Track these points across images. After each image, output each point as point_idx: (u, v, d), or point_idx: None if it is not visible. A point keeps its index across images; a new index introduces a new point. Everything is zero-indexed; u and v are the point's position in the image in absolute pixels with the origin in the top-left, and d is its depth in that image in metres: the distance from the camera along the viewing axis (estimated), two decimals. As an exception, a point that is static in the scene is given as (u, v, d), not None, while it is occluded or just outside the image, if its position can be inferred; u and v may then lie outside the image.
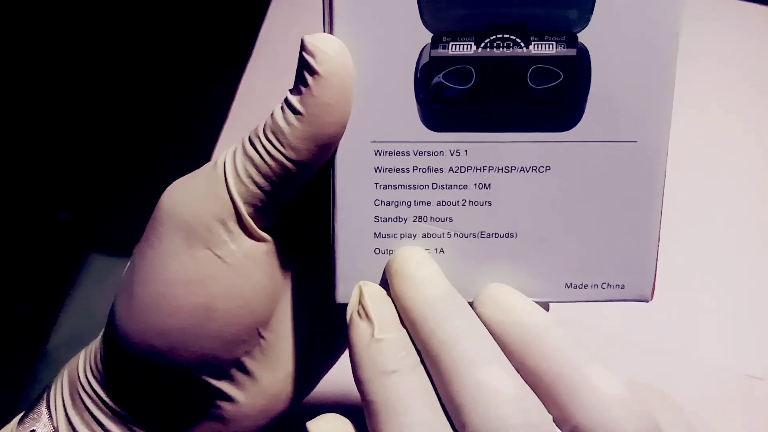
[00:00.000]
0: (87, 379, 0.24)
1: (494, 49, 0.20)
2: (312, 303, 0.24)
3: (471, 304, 0.21)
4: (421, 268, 0.21)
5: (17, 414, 0.25)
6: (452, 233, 0.21)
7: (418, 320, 0.20)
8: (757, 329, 0.41)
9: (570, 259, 0.22)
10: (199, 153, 0.49)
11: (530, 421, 0.18)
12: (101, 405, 0.24)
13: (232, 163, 0.21)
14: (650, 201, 0.21)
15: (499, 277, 0.21)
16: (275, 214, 0.22)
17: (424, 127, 0.21)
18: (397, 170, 0.21)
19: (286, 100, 0.20)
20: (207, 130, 0.50)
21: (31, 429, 0.24)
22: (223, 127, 0.49)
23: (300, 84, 0.20)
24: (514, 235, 0.21)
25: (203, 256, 0.21)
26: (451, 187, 0.21)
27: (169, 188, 0.22)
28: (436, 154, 0.21)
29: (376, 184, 0.21)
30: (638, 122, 0.21)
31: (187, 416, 0.23)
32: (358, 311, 0.20)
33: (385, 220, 0.21)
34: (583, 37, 0.20)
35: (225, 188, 0.21)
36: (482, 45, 0.20)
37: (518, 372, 0.19)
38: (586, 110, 0.21)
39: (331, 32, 0.20)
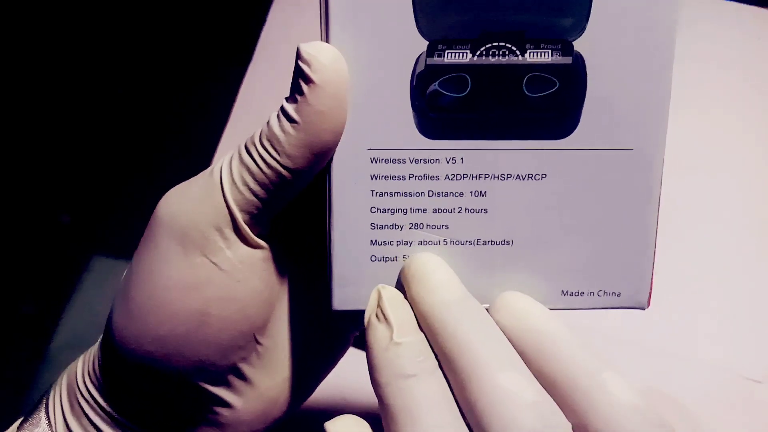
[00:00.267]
0: (85, 384, 0.24)
1: (490, 57, 0.20)
2: (309, 309, 0.24)
3: None
4: (437, 273, 0.21)
5: (18, 416, 0.25)
6: (448, 241, 0.21)
7: (436, 324, 0.20)
8: (757, 332, 0.41)
9: (566, 267, 0.22)
10: (200, 155, 0.49)
11: (549, 425, 0.18)
12: (99, 410, 0.24)
13: (228, 171, 0.21)
14: (646, 208, 0.21)
15: (495, 284, 0.21)
16: (271, 221, 0.22)
17: (420, 134, 0.21)
18: (393, 178, 0.21)
19: (282, 108, 0.20)
20: (208, 132, 0.50)
21: (29, 434, 0.24)
22: (224, 129, 0.49)
23: (295, 92, 0.20)
24: (511, 243, 0.21)
25: (199, 262, 0.21)
26: (447, 194, 0.21)
27: (166, 195, 0.22)
28: (432, 161, 0.21)
29: (372, 191, 0.21)
30: (634, 130, 0.21)
31: (184, 422, 0.24)
32: (376, 314, 0.20)
33: (381, 227, 0.21)
34: (578, 45, 0.20)
35: (221, 195, 0.21)
36: (478, 53, 0.20)
37: None
38: (581, 118, 0.21)
39: (326, 40, 0.20)
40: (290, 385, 0.24)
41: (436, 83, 0.21)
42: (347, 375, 0.20)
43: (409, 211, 0.21)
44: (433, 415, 0.19)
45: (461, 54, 0.20)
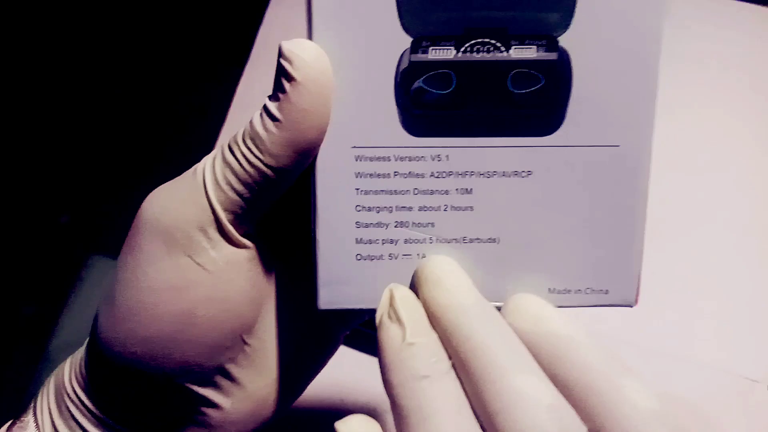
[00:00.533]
0: (72, 386, 0.24)
1: (474, 54, 0.20)
2: (297, 308, 0.24)
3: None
4: (451, 275, 0.20)
5: (18, 416, 0.25)
6: (434, 238, 0.21)
7: (451, 326, 0.19)
8: (756, 332, 0.40)
9: (553, 264, 0.21)
10: (198, 154, 0.49)
11: (566, 429, 0.18)
12: (86, 412, 0.24)
13: (212, 170, 0.21)
14: (633, 205, 0.21)
15: (482, 282, 0.21)
16: (256, 221, 0.22)
17: (404, 132, 0.21)
18: (378, 175, 0.21)
19: (265, 107, 0.20)
20: (206, 132, 0.50)
21: (17, 436, 0.24)
22: (221, 129, 0.49)
23: (278, 90, 0.20)
24: (497, 240, 0.21)
25: (184, 263, 0.21)
26: (432, 192, 0.21)
27: (149, 195, 0.22)
28: (417, 159, 0.21)
29: (357, 189, 0.21)
30: (620, 126, 0.20)
31: (172, 423, 0.23)
32: (388, 314, 0.20)
33: (367, 225, 0.21)
34: (564, 40, 0.20)
35: (204, 195, 0.21)
36: (462, 49, 0.20)
37: None
38: (567, 114, 0.20)
39: (309, 37, 0.20)
40: (279, 385, 0.24)
41: (421, 80, 0.20)
42: (339, 374, 0.20)
43: (394, 209, 0.21)
44: (446, 416, 0.18)
45: (445, 50, 0.20)
